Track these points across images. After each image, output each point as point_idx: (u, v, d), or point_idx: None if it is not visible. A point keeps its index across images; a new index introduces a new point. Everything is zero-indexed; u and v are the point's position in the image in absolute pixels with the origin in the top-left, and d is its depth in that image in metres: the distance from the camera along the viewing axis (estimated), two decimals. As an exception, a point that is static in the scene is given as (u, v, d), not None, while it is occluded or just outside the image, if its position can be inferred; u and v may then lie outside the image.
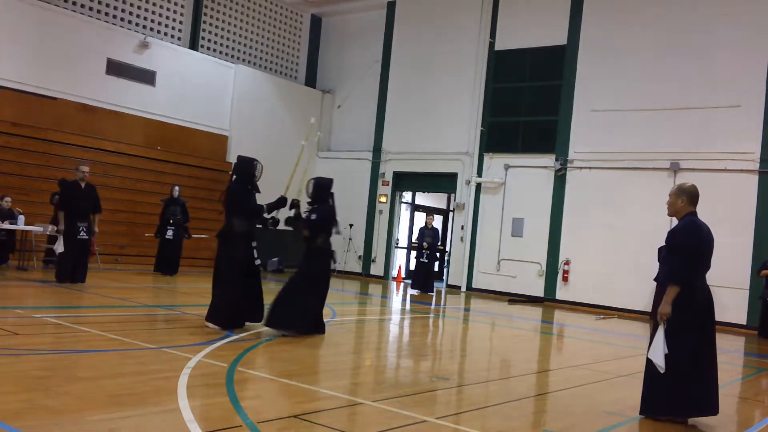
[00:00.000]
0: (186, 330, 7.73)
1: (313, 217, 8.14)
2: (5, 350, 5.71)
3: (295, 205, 8.35)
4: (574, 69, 16.54)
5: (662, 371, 5.17)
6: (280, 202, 8.17)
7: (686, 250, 5.24)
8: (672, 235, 5.37)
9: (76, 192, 11.24)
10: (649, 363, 5.30)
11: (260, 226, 8.21)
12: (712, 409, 5.27)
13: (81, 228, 11.19)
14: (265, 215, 8.11)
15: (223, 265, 7.85)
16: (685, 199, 5.39)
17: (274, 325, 7.80)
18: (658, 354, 5.18)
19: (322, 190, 8.38)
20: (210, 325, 7.72)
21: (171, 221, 14.23)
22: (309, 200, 8.40)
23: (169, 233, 14.17)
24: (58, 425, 3.94)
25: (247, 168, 8.06)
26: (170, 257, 14.22)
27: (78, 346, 6.22)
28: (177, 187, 14.50)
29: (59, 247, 11.05)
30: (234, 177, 8.11)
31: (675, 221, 5.58)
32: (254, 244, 8.03)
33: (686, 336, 5.21)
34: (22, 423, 3.83)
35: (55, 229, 13.17)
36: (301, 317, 7.88)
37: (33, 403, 4.29)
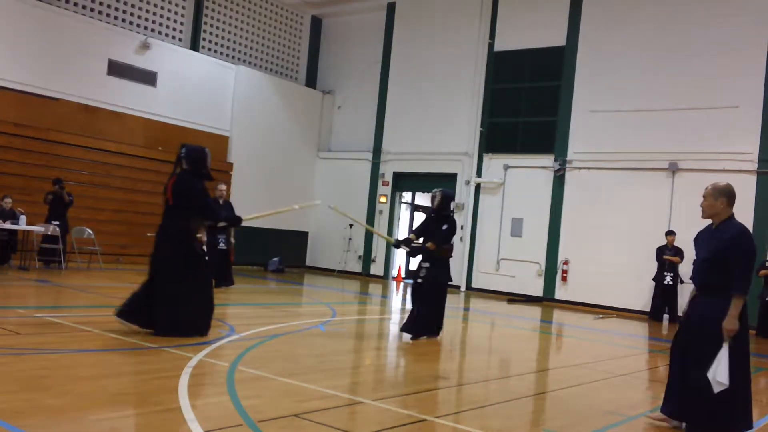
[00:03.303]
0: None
1: (445, 227, 8.65)
2: (7, 350, 5.74)
3: (407, 242, 9.00)
4: (572, 70, 16.58)
5: (724, 387, 4.72)
6: (234, 221, 7.89)
7: (750, 257, 4.90)
8: (736, 240, 4.91)
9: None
10: (694, 376, 4.87)
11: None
12: (751, 421, 4.97)
13: (220, 239, 11.97)
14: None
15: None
16: (725, 201, 5.06)
17: (417, 336, 8.60)
18: (723, 372, 4.70)
19: (448, 201, 8.86)
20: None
21: None
22: (431, 210, 8.88)
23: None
24: (60, 424, 3.98)
25: (202, 156, 7.32)
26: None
27: (79, 345, 6.25)
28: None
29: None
30: (186, 167, 7.24)
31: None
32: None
33: (743, 348, 4.89)
34: (23, 422, 3.86)
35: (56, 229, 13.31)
36: (440, 321, 8.82)
37: (34, 402, 4.32)
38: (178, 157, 7.28)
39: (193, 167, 7.25)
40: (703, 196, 5.17)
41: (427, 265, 8.68)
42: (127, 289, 10.75)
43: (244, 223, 7.93)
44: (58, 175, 14.06)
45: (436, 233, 8.65)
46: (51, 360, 5.56)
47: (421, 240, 8.89)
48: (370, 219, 19.69)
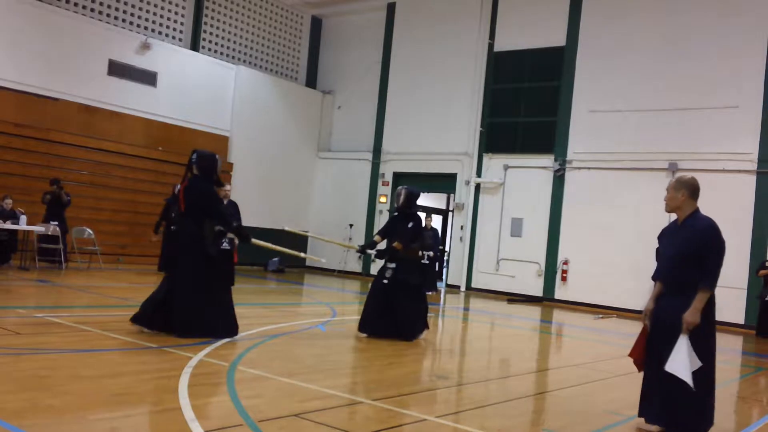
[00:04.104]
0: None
1: (410, 225, 8.43)
2: (7, 349, 5.75)
3: (371, 245, 8.82)
4: (572, 70, 16.58)
5: (692, 388, 4.63)
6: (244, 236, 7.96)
7: (722, 252, 4.81)
8: (704, 234, 4.83)
9: None
10: (669, 378, 4.71)
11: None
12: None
13: (223, 240, 11.79)
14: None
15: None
16: (686, 193, 4.97)
17: (414, 337, 8.33)
18: (686, 368, 4.59)
19: (413, 199, 8.64)
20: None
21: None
22: (396, 209, 8.68)
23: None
24: (60, 424, 3.98)
25: (213, 162, 7.43)
26: (174, 257, 14.21)
27: (79, 345, 6.26)
28: (179, 186, 14.52)
29: None
30: (197, 173, 7.37)
31: (666, 221, 5.41)
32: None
33: (710, 344, 4.83)
34: (23, 422, 3.87)
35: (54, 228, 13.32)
36: (426, 319, 8.63)
37: (35, 402, 4.32)
38: (189, 163, 7.36)
39: (204, 173, 7.35)
40: (666, 189, 5.11)
41: (393, 266, 8.35)
42: (128, 289, 10.71)
43: (248, 244, 8.07)
44: (59, 175, 14.07)
45: (402, 232, 8.40)
46: (51, 360, 5.57)
47: (385, 241, 8.67)
48: (370, 219, 19.70)
